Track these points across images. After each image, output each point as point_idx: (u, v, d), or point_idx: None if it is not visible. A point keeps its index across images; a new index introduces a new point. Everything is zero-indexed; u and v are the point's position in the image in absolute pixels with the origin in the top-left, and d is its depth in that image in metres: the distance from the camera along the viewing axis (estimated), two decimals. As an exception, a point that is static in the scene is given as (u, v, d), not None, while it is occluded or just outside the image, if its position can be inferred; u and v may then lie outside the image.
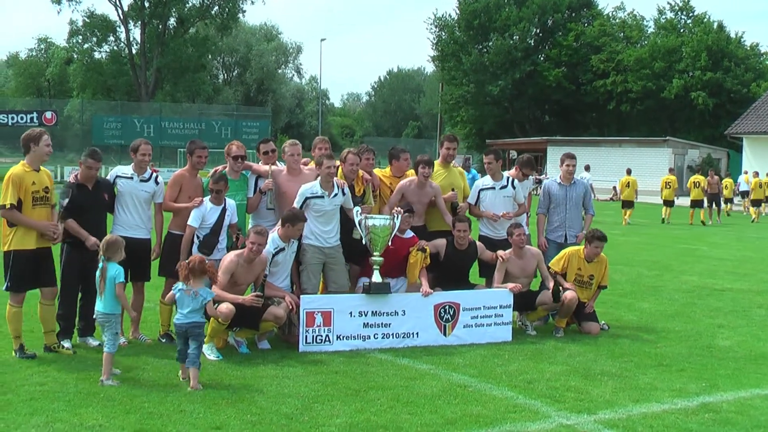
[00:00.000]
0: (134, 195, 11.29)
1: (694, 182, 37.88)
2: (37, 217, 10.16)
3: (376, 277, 11.37)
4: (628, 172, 38.61)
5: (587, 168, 38.06)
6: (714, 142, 73.28)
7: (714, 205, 37.84)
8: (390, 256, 11.57)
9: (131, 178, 11.35)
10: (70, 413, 8.03)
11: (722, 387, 9.69)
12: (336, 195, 11.46)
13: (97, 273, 9.50)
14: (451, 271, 12.18)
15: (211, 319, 10.28)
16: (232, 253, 10.74)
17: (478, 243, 12.62)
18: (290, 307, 10.80)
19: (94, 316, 9.63)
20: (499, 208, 12.82)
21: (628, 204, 36.69)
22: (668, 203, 37.84)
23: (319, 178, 11.47)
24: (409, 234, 11.98)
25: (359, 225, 11.37)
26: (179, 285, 9.50)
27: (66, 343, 10.71)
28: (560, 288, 12.37)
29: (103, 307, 9.40)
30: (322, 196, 11.35)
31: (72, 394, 8.62)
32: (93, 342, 10.87)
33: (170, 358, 10.20)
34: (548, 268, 12.63)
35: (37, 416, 7.92)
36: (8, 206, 9.90)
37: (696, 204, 37.47)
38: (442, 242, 12.18)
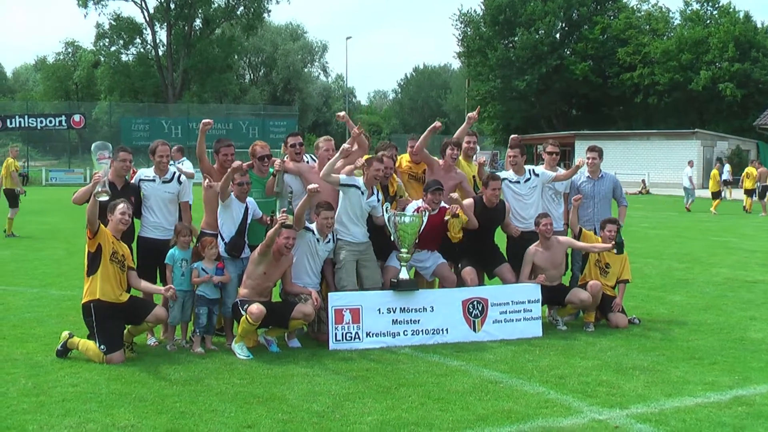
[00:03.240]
0: (158, 197, 11.41)
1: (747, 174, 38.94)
2: (113, 273, 10.20)
3: (404, 274, 11.39)
4: (717, 165, 39.98)
5: (691, 163, 39.96)
6: (743, 133, 72.75)
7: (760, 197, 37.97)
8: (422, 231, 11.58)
9: (153, 180, 11.44)
10: (102, 414, 8.07)
11: (755, 380, 9.62)
12: (371, 199, 11.51)
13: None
14: (478, 230, 12.12)
15: (242, 319, 10.34)
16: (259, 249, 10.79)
17: (506, 203, 12.63)
18: (316, 302, 10.84)
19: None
20: (526, 199, 12.82)
21: (716, 195, 38.74)
22: (749, 193, 38.90)
23: (363, 176, 11.51)
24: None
25: (388, 222, 11.37)
26: (196, 264, 10.97)
27: (150, 341, 11.18)
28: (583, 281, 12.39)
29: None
30: (363, 192, 11.39)
31: (104, 395, 8.66)
32: None
33: (201, 358, 10.29)
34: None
35: (70, 417, 7.96)
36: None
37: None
38: (469, 202, 12.14)
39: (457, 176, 12.58)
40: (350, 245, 11.40)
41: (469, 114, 13.14)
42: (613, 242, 12.30)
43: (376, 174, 11.45)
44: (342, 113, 13.07)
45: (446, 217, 11.80)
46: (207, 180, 11.17)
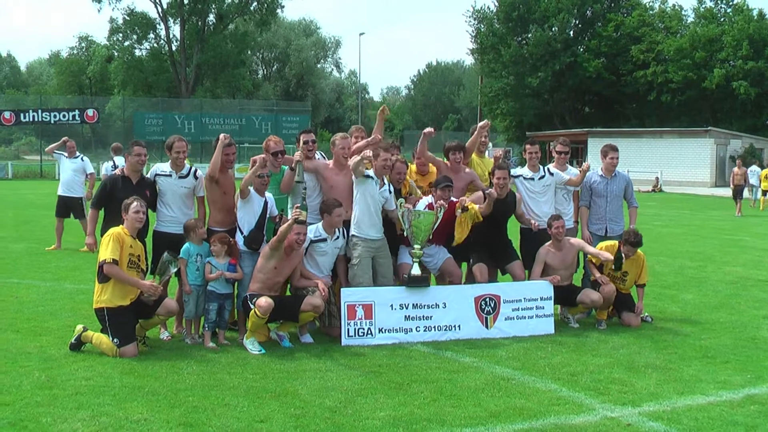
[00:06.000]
0: (174, 192, 11.44)
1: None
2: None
3: (416, 270, 11.40)
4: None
5: (757, 162, 40.47)
6: (756, 132, 72.68)
7: (739, 197, 36.97)
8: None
9: (170, 175, 11.47)
10: (115, 407, 8.09)
11: (767, 379, 9.63)
12: (384, 189, 11.53)
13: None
14: (490, 221, 12.03)
15: (251, 313, 10.37)
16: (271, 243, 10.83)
17: (516, 194, 12.61)
18: (323, 292, 10.84)
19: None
20: (539, 197, 12.78)
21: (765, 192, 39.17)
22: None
23: (372, 168, 11.54)
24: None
25: (402, 217, 11.38)
26: (207, 259, 10.98)
27: (163, 335, 11.20)
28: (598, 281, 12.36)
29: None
30: (376, 183, 11.42)
31: (117, 389, 8.68)
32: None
33: (214, 353, 10.32)
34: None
35: (83, 410, 7.98)
36: (110, 261, 9.96)
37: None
38: (479, 195, 12.12)
39: (467, 175, 12.57)
40: (366, 242, 11.39)
41: (481, 123, 13.11)
42: (614, 257, 12.22)
43: (384, 164, 11.51)
44: (387, 110, 12.79)
45: (457, 212, 11.79)
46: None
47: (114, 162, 22.19)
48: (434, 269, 12.21)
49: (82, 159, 21.02)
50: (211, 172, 11.24)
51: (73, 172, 20.59)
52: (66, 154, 20.79)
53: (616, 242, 12.46)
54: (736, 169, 37.58)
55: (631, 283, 12.56)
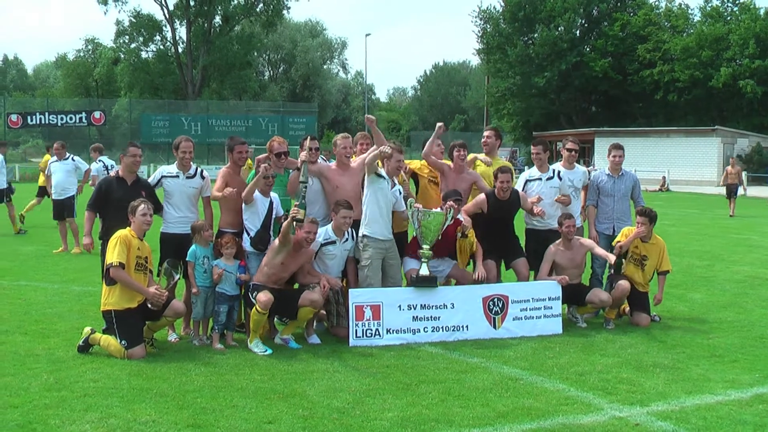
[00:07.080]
0: (183, 192, 11.45)
1: None
2: (136, 280, 10.19)
3: (424, 270, 11.40)
4: None
5: None
6: (763, 130, 72.41)
7: (732, 196, 35.79)
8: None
9: (177, 176, 11.47)
10: (123, 409, 8.10)
11: (776, 378, 9.59)
12: (394, 189, 11.59)
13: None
14: (495, 222, 12.09)
15: (252, 310, 10.38)
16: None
17: (520, 192, 12.57)
18: (324, 288, 10.82)
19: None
20: (546, 199, 12.67)
21: None
22: None
23: (386, 167, 11.56)
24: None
25: (411, 217, 11.38)
26: (216, 261, 11.01)
27: (171, 337, 11.19)
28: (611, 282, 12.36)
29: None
30: (388, 182, 11.45)
31: (125, 390, 8.69)
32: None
33: (222, 354, 10.33)
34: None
35: (92, 412, 7.99)
36: (116, 264, 9.97)
37: None
38: (482, 198, 12.15)
39: (470, 177, 12.58)
40: (376, 243, 11.41)
41: (481, 159, 13.10)
42: (615, 259, 12.18)
43: (399, 165, 11.61)
44: (372, 118, 12.74)
45: (458, 233, 11.84)
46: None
47: (104, 163, 21.93)
48: (441, 278, 12.20)
49: (72, 159, 21.13)
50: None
51: (65, 174, 20.72)
52: (55, 158, 20.86)
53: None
54: (729, 168, 37.10)
55: (652, 270, 12.54)
